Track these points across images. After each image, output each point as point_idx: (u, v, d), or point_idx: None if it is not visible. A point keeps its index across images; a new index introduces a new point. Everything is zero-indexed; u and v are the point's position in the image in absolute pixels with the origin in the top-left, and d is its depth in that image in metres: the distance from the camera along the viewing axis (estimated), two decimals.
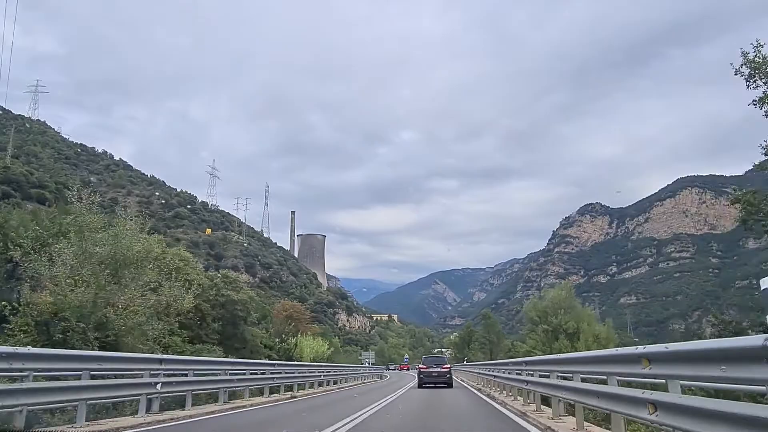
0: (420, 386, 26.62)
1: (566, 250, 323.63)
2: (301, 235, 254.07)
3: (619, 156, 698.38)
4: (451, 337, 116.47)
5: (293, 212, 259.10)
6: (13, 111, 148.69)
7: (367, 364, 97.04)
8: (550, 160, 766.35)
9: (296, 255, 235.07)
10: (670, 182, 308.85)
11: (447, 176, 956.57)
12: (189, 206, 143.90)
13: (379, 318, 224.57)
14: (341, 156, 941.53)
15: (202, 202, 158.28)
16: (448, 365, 28.67)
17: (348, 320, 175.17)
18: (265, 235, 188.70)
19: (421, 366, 28.73)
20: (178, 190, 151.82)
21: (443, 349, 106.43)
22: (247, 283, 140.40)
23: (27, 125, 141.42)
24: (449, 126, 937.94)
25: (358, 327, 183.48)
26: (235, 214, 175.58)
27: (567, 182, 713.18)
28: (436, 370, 27.10)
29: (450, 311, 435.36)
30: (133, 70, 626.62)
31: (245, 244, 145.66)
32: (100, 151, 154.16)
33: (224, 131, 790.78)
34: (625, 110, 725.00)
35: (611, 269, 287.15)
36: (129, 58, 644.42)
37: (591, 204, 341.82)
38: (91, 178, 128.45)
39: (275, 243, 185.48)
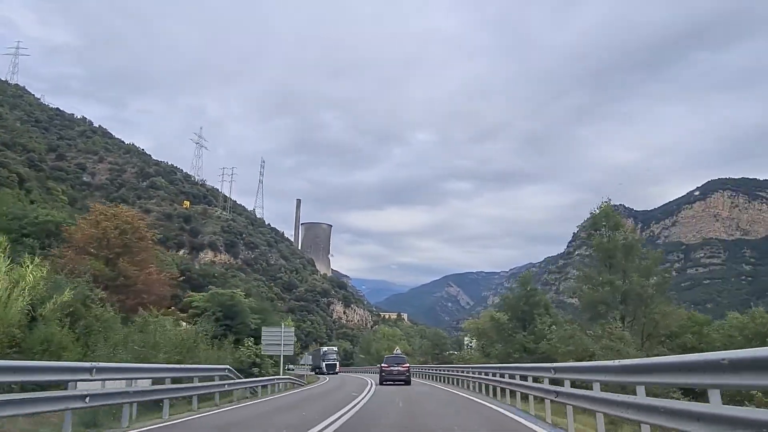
0: (381, 383, 28.93)
1: (588, 252, 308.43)
2: (306, 223, 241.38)
3: (638, 161, 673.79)
4: (479, 318, 53.62)
5: (299, 200, 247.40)
6: None
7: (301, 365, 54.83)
8: (566, 164, 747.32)
9: (300, 244, 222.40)
10: (700, 185, 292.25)
11: (461, 178, 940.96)
12: (170, 177, 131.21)
13: (387, 316, 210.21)
14: (355, 156, 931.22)
15: (186, 174, 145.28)
16: (407, 365, 31.57)
17: (345, 312, 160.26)
18: (258, 216, 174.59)
19: (383, 365, 31.51)
20: (161, 161, 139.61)
21: (455, 352, 59.45)
22: (226, 264, 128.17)
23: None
24: (464, 127, 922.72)
25: (358, 321, 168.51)
26: (221, 189, 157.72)
27: (583, 188, 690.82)
28: (396, 368, 30.10)
29: (463, 314, 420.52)
30: (146, 64, 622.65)
31: (228, 219, 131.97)
32: (79, 117, 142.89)
33: (237, 128, 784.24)
34: (645, 114, 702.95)
35: None
36: (142, 52, 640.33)
37: (614, 206, 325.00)
38: (58, 141, 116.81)
39: (268, 224, 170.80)
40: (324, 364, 63.68)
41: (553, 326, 27.92)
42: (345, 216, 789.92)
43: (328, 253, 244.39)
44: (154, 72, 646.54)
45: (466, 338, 60.04)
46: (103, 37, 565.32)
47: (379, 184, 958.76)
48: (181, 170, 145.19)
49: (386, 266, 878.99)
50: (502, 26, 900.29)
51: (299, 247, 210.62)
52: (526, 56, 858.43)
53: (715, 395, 4.87)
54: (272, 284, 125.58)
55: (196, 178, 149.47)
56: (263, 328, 32.07)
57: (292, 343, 32.62)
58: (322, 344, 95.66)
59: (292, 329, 33.55)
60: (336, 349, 73.97)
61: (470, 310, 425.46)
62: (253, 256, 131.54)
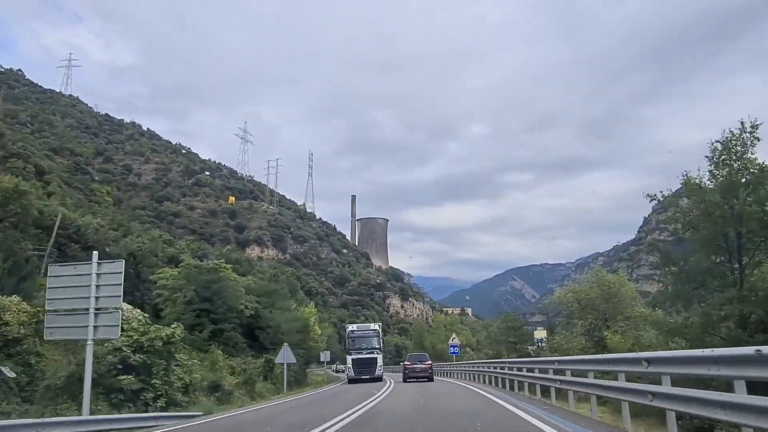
0: (405, 380, 29.87)
1: (661, 237, 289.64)
2: (361, 219, 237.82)
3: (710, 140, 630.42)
4: (582, 279, 37.77)
5: (353, 196, 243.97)
6: (43, 85, 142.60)
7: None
8: (630, 147, 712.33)
9: (357, 240, 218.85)
10: None
11: (520, 169, 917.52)
12: (215, 174, 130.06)
13: (450, 311, 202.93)
14: (409, 153, 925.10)
15: (231, 170, 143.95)
16: (430, 362, 32.62)
17: (403, 306, 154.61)
18: (309, 210, 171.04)
19: (406, 362, 33.19)
20: (207, 159, 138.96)
21: (537, 340, 38.54)
22: (274, 259, 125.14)
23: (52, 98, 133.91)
24: (520, 116, 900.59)
25: (417, 315, 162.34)
26: (267, 182, 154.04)
27: (650, 171, 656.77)
28: (419, 366, 31.26)
29: (529, 308, 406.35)
30: (204, 76, 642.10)
31: (275, 213, 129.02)
32: (128, 122, 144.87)
33: (292, 131, 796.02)
34: (715, 89, 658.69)
35: None
36: (200, 65, 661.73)
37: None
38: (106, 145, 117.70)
39: (318, 217, 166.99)
40: (351, 358, 33.71)
41: None
42: (403, 214, 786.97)
43: (385, 247, 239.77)
44: (212, 83, 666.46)
45: (536, 332, 43.43)
46: (162, 54, 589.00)
47: (435, 180, 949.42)
48: (227, 167, 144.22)
49: (448, 263, 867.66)
50: (555, 8, 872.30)
51: (356, 244, 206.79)
52: (582, 38, 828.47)
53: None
54: (323, 278, 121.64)
55: (243, 173, 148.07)
56: (50, 267, 14.39)
57: (118, 309, 12.68)
58: None
59: (120, 264, 13.15)
60: (377, 329, 36.11)
61: (536, 304, 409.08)
62: (302, 251, 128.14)
